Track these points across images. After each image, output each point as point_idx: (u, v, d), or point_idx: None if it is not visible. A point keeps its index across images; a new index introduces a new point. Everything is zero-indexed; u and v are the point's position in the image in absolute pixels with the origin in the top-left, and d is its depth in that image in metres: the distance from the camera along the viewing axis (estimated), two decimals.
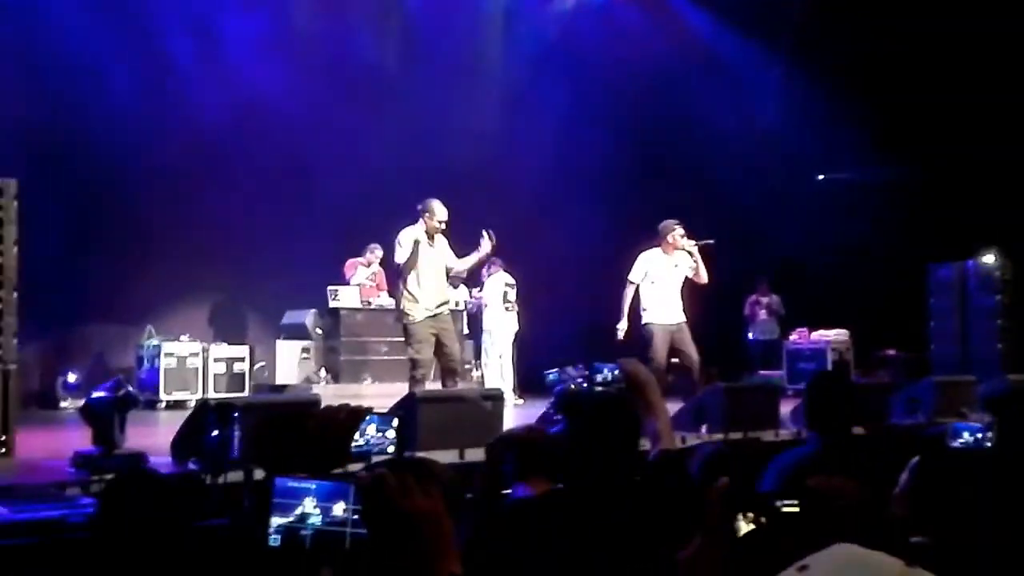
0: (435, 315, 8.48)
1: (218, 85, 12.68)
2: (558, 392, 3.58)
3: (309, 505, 2.58)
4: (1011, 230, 13.52)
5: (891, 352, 14.01)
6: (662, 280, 9.44)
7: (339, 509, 2.55)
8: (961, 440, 4.28)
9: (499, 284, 12.08)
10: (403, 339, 8.62)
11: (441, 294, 8.65)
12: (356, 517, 2.49)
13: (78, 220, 11.58)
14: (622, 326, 9.44)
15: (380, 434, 4.04)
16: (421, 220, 8.51)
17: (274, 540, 2.58)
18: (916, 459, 2.62)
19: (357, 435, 4.04)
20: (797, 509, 2.65)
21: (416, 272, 8.45)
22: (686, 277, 9.55)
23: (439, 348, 8.46)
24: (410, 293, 8.46)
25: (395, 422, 4.06)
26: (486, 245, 8.63)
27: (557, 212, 14.41)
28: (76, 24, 11.86)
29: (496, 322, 12.07)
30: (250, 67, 12.99)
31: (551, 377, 3.66)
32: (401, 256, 8.48)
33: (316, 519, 2.56)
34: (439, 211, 8.48)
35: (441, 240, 8.64)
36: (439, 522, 1.52)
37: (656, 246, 9.54)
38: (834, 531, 1.73)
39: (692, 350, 9.40)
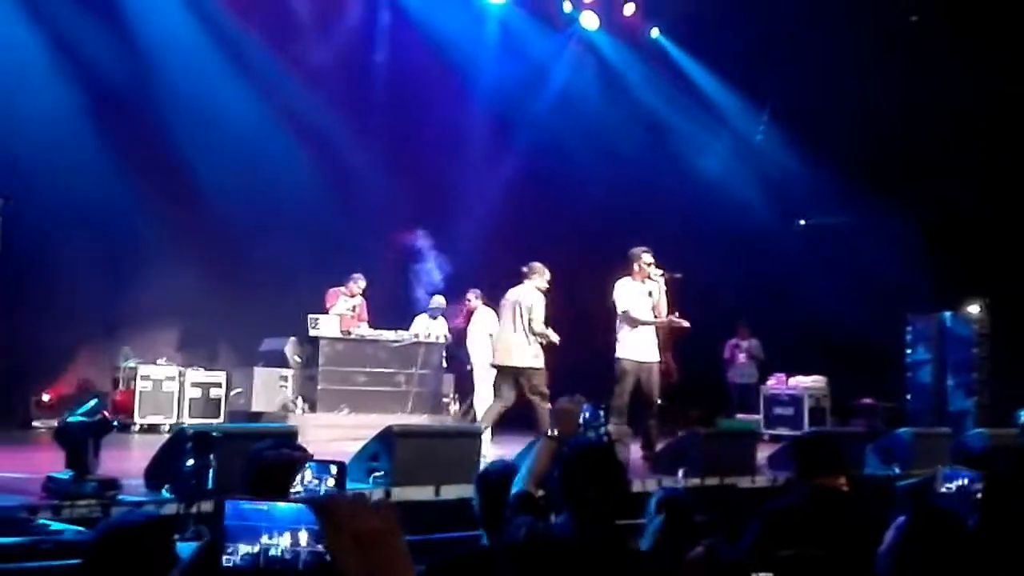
0: None
1: (203, 111, 12.68)
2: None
3: (267, 529, 2.57)
4: (991, 283, 13.62)
5: (867, 401, 14.03)
6: (637, 311, 9.06)
7: (295, 535, 2.54)
8: (948, 486, 4.23)
9: (486, 317, 11.50)
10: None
11: None
12: (306, 542, 2.49)
13: (56, 238, 11.50)
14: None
15: (316, 481, 4.03)
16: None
17: (227, 562, 2.56)
18: (902, 518, 2.54)
19: (296, 481, 4.01)
20: None
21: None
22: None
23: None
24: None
25: (334, 469, 4.04)
26: None
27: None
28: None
29: (484, 355, 11.14)
30: (236, 101, 13.06)
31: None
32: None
33: (275, 544, 2.54)
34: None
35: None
36: (393, 540, 1.56)
37: (628, 275, 9.20)
38: None
39: (654, 393, 9.04)
